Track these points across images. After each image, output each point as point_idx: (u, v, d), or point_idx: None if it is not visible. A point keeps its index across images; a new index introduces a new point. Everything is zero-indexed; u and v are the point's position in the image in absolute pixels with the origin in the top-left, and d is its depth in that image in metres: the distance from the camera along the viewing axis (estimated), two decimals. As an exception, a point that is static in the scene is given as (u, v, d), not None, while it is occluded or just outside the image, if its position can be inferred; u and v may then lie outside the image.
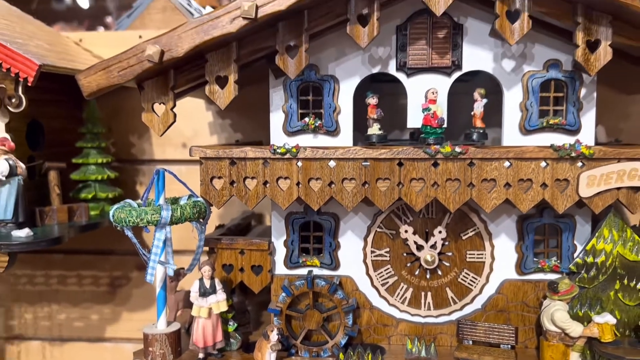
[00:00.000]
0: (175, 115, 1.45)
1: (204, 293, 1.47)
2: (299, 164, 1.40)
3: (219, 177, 1.43)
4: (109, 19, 3.82)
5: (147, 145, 2.23)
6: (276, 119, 1.55)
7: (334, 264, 1.58)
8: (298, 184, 1.41)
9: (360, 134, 1.56)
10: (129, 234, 1.43)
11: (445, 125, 1.43)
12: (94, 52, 2.17)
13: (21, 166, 1.72)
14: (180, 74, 1.43)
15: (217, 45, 1.36)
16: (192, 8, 2.61)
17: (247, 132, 2.16)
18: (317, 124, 1.50)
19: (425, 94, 1.45)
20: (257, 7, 1.26)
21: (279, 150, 1.39)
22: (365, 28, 1.37)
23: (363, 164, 1.38)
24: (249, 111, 2.10)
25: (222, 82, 1.41)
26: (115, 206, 1.43)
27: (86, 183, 2.01)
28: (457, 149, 1.34)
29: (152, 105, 1.43)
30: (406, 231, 1.52)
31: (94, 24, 3.52)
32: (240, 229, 1.90)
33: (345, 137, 1.53)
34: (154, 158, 2.23)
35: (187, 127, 2.19)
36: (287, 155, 1.40)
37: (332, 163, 1.39)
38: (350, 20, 1.37)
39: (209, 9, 2.86)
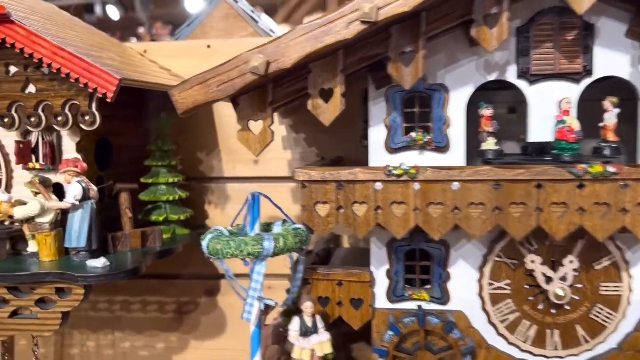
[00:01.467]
0: (273, 133, 1.29)
1: (305, 332, 1.31)
2: (416, 186, 1.23)
3: (324, 202, 1.27)
4: (141, 30, 3.71)
5: (215, 161, 2.08)
6: (376, 134, 1.38)
7: (444, 298, 1.40)
8: (415, 209, 1.23)
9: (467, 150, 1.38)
10: (225, 266, 1.28)
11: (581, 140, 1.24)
12: (159, 63, 2.04)
13: (93, 189, 1.59)
14: (278, 87, 1.27)
15: (324, 54, 1.20)
16: (255, 15, 2.47)
17: (323, 147, 2.00)
18: (425, 139, 1.33)
19: (558, 104, 1.27)
20: (377, 9, 1.10)
21: (394, 172, 1.22)
22: (493, 30, 1.20)
23: (494, 186, 1.20)
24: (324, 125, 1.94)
25: (326, 95, 1.25)
26: (209, 235, 1.28)
27: (156, 204, 1.86)
28: (610, 169, 1.15)
29: (247, 122, 1.28)
30: (532, 261, 1.33)
31: (126, 35, 3.40)
32: (325, 254, 1.74)
33: (456, 153, 1.35)
34: (223, 175, 2.08)
35: None
36: (404, 177, 1.23)
37: (455, 185, 1.21)
38: (477, 22, 1.20)
39: (265, 15, 2.72)
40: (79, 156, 1.61)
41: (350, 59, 1.24)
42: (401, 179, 1.22)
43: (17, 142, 1.61)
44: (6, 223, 1.66)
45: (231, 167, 2.07)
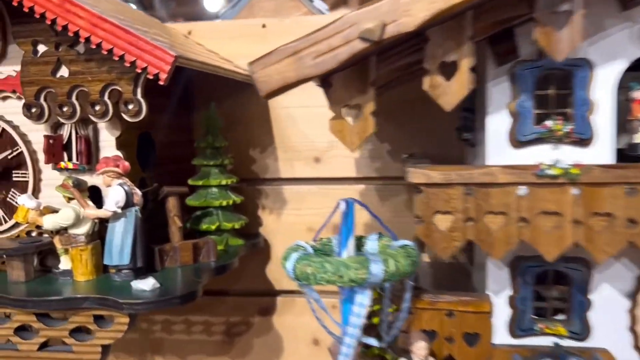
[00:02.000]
0: (375, 122, 1.00)
1: (417, 380, 1.01)
2: (575, 191, 0.93)
3: (446, 212, 0.97)
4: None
5: (270, 160, 1.79)
6: (496, 123, 1.08)
7: (585, 332, 1.10)
8: (574, 221, 0.93)
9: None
10: (315, 295, 0.99)
11: None
12: (206, 46, 1.75)
13: (138, 193, 1.31)
14: (383, 61, 0.98)
15: (450, 15, 0.90)
16: (307, -7, 2.18)
17: (399, 142, 1.70)
18: (566, 130, 1.03)
19: None
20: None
21: (549, 172, 0.92)
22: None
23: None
24: (401, 115, 1.64)
25: (448, 70, 0.95)
26: (293, 254, 0.99)
27: (206, 210, 1.58)
28: None
29: (342, 108, 0.99)
30: None
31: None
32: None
33: (602, 147, 1.05)
34: (280, 176, 1.79)
35: (321, 136, 1.74)
36: (561, 180, 0.92)
37: (632, 190, 0.91)
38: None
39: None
40: (119, 154, 1.33)
41: (480, 24, 0.94)
42: (556, 181, 0.92)
43: (47, 137, 1.34)
44: (34, 234, 1.39)
45: (288, 166, 1.78)
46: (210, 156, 1.59)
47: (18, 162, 1.38)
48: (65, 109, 1.28)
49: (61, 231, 1.30)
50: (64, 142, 1.35)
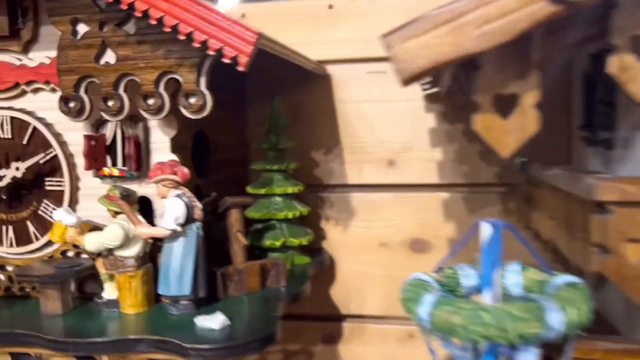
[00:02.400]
0: (538, 118, 0.75)
1: None
2: None
3: (640, 241, 0.72)
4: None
5: (336, 164, 1.55)
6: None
7: None
8: None
9: None
10: (457, 352, 0.74)
11: None
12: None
13: (198, 206, 1.07)
14: (549, 36, 0.72)
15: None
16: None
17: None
18: None
19: None
20: None
21: None
22: None
23: None
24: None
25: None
26: (428, 298, 0.74)
27: (268, 223, 1.34)
28: None
29: (493, 98, 0.74)
30: None
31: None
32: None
33: None
34: (346, 182, 1.55)
35: (395, 135, 1.50)
36: None
37: None
38: None
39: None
40: (175, 158, 1.09)
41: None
42: None
43: (87, 138, 1.10)
44: (70, 254, 1.16)
45: (356, 171, 1.54)
46: (274, 159, 1.35)
47: (52, 168, 1.15)
48: (111, 103, 1.04)
49: (106, 253, 1.06)
50: (108, 143, 1.12)
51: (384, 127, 1.51)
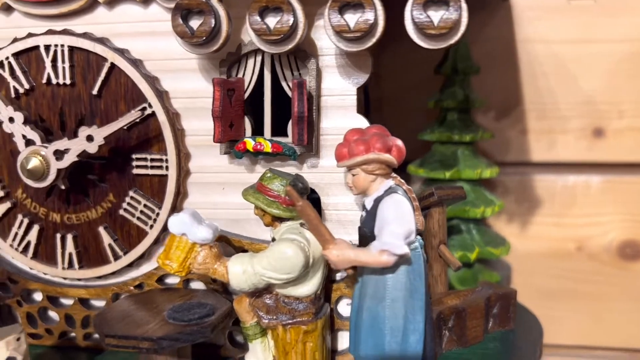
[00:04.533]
0: None
1: None
2: None
3: None
4: None
5: (513, 133, 1.08)
6: None
7: None
8: None
9: None
10: None
11: None
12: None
13: (419, 208, 0.60)
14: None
15: None
16: None
17: None
18: None
19: None
20: None
21: None
22: None
23: None
24: None
25: None
26: None
27: (451, 222, 0.88)
28: None
29: None
30: None
31: None
32: None
33: None
34: (529, 159, 1.09)
35: (603, 94, 1.05)
36: None
37: None
38: None
39: None
40: (363, 120, 0.62)
41: None
42: None
43: (220, 84, 0.61)
44: (172, 280, 0.69)
45: (546, 142, 1.07)
46: (461, 126, 0.88)
47: (144, 137, 0.67)
48: (274, 18, 0.56)
49: (260, 291, 0.59)
50: (246, 91, 0.64)
51: (589, 80, 1.04)
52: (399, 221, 0.55)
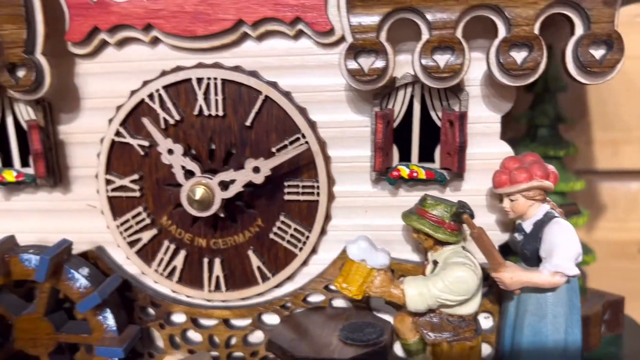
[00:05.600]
0: None
1: None
2: None
3: None
4: None
5: (580, 143, 1.13)
6: None
7: None
8: None
9: None
10: None
11: None
12: None
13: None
14: None
15: None
16: None
17: None
18: None
19: None
20: None
21: None
22: None
23: None
24: None
25: None
26: None
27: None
28: None
29: None
30: None
31: None
32: None
33: None
34: (594, 167, 1.15)
35: None
36: None
37: None
38: None
39: None
40: (507, 147, 0.67)
41: None
42: None
43: (382, 117, 0.65)
44: (315, 299, 0.72)
45: (610, 152, 1.13)
46: (553, 142, 0.93)
47: (295, 165, 0.70)
48: (443, 56, 0.60)
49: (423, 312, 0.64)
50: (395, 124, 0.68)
51: (652, 93, 1.11)
52: (568, 245, 0.60)
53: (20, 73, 0.66)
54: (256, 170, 0.66)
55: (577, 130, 1.15)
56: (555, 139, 0.96)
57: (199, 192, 0.66)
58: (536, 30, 0.59)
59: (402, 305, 0.63)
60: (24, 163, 0.76)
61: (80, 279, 0.70)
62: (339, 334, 0.64)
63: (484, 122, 0.69)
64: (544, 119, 0.94)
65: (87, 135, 0.74)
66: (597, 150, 1.15)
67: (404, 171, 0.67)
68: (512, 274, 0.61)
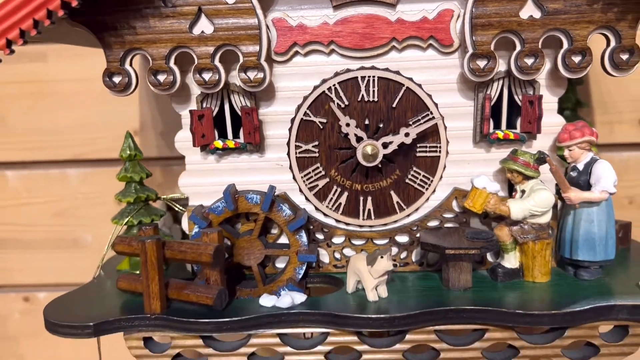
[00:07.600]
0: None
1: None
2: None
3: None
4: None
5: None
6: None
7: None
8: None
9: None
10: None
11: None
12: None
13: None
14: None
15: None
16: None
17: None
18: None
19: None
20: None
21: None
22: None
23: None
24: None
25: None
26: None
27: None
28: None
29: None
30: None
31: None
32: None
33: None
34: (618, 142, 1.53)
35: None
36: None
37: None
38: None
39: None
40: (562, 119, 1.05)
41: None
42: None
43: (488, 98, 1.02)
44: (446, 225, 1.08)
45: (607, 129, 1.53)
46: (573, 119, 1.29)
47: (423, 132, 1.06)
48: (533, 59, 0.97)
49: (513, 221, 1.00)
50: (492, 103, 1.04)
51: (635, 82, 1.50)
52: (609, 174, 0.97)
53: (251, 74, 1.00)
54: (407, 135, 1.02)
55: (583, 113, 1.55)
56: (576, 119, 1.34)
57: (371, 149, 1.01)
58: (588, 43, 0.96)
59: (506, 217, 0.99)
60: (234, 135, 1.10)
61: (286, 210, 1.04)
62: (466, 236, 1.00)
63: (546, 102, 1.06)
64: (568, 103, 1.33)
65: (279, 117, 1.08)
66: (598, 128, 1.55)
67: (500, 134, 1.04)
68: (575, 193, 0.98)
